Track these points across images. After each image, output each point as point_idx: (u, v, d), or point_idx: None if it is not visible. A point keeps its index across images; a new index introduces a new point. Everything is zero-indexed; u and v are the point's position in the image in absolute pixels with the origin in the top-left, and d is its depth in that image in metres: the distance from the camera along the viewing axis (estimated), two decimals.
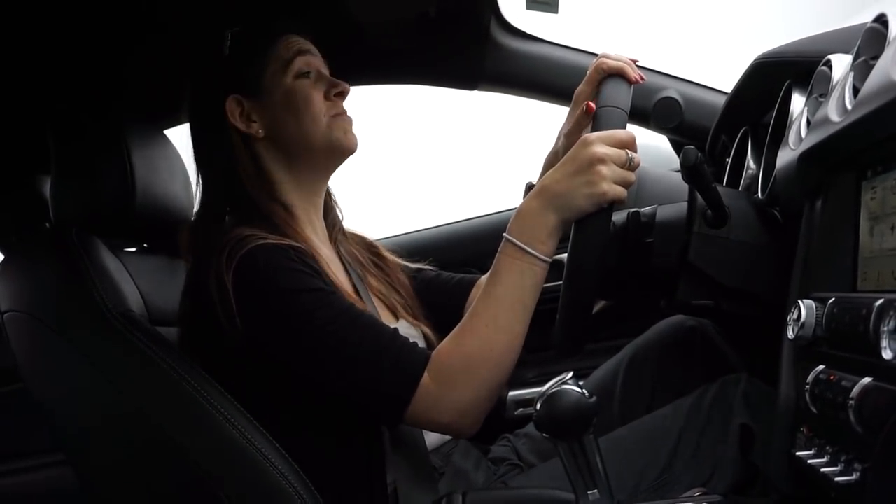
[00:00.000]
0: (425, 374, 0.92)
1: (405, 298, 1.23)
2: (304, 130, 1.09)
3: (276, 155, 1.11)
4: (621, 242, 1.04)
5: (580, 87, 1.09)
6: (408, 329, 1.15)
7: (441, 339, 1.19)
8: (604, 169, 0.88)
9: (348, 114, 1.14)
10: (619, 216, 1.04)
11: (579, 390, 0.78)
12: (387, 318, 1.14)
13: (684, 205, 1.03)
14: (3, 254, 1.35)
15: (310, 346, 0.94)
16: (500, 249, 0.96)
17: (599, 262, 0.95)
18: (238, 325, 0.93)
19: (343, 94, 1.13)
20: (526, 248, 0.93)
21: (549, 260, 0.94)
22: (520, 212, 0.95)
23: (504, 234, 0.95)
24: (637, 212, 1.05)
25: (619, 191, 0.89)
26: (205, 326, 0.97)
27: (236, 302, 0.93)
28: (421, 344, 1.15)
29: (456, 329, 0.96)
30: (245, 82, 1.10)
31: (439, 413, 0.93)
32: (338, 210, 1.25)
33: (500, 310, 0.94)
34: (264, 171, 1.10)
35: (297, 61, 1.10)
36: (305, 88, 1.10)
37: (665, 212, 1.04)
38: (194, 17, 1.24)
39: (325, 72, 1.15)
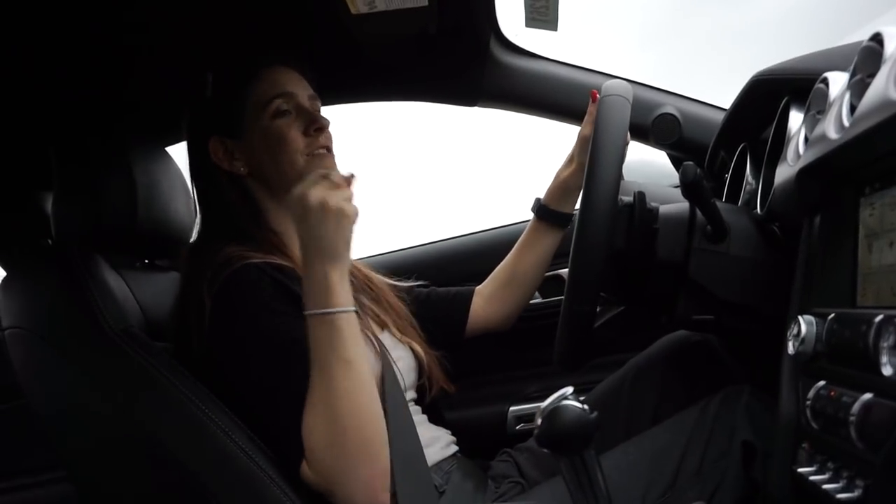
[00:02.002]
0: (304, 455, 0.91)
1: (394, 316, 1.24)
2: (282, 170, 1.11)
3: (261, 189, 1.14)
4: (628, 222, 1.03)
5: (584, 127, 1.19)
6: (394, 343, 1.16)
7: (433, 353, 1.20)
8: (331, 203, 0.91)
9: (330, 151, 1.14)
10: (625, 195, 1.04)
11: (580, 406, 0.78)
12: (375, 332, 1.14)
13: (685, 204, 1.03)
14: (5, 270, 1.35)
15: (245, 389, 0.96)
16: (308, 331, 0.93)
17: (600, 275, 0.95)
18: (203, 341, 0.97)
19: (322, 130, 1.13)
20: (323, 311, 0.91)
21: (351, 308, 0.92)
22: (303, 285, 0.94)
23: (304, 313, 0.93)
24: (643, 193, 1.05)
25: (353, 208, 0.92)
26: (187, 343, 1.00)
27: (209, 321, 0.96)
28: (407, 359, 1.17)
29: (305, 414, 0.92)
30: (226, 123, 1.12)
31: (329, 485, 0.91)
32: None
33: (329, 374, 0.90)
34: (253, 203, 1.13)
35: (275, 102, 1.11)
36: (282, 128, 1.11)
37: (667, 208, 1.05)
38: (215, 44, 1.26)
39: (308, 105, 1.15)
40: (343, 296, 0.92)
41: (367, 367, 0.94)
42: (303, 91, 1.15)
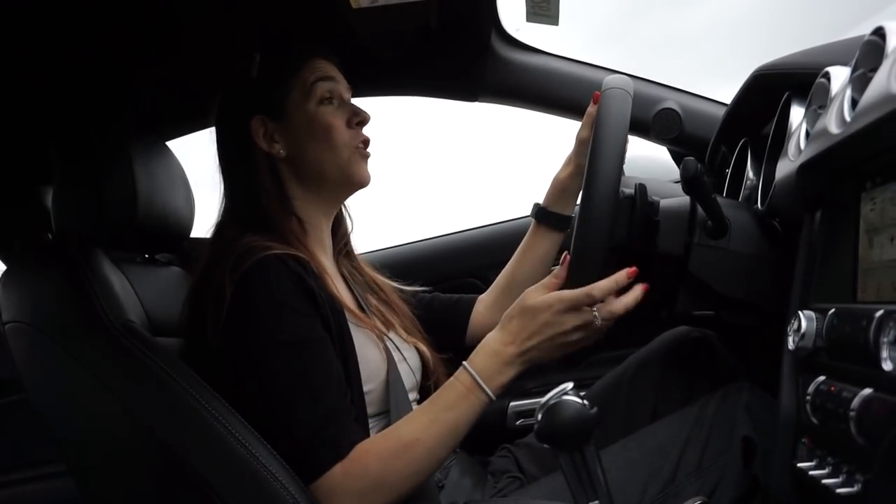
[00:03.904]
0: (339, 464, 0.91)
1: (400, 317, 1.24)
2: (323, 157, 1.12)
3: (294, 174, 1.14)
4: (629, 214, 1.03)
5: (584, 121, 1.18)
6: (400, 343, 1.16)
7: (438, 355, 1.20)
8: (579, 335, 0.96)
9: (369, 148, 1.16)
10: (626, 188, 1.04)
11: (580, 401, 0.78)
12: (382, 331, 1.14)
13: (686, 198, 1.03)
14: (6, 264, 1.35)
15: (262, 386, 0.95)
16: (456, 375, 0.97)
17: (601, 268, 0.95)
18: (219, 333, 0.96)
19: (364, 123, 1.16)
20: (483, 385, 0.95)
21: (494, 399, 0.97)
22: (490, 350, 0.97)
23: (465, 363, 0.97)
24: (644, 185, 1.05)
25: (585, 342, 0.98)
26: (201, 334, 0.99)
27: (227, 313, 0.96)
28: (414, 359, 1.16)
29: (389, 428, 0.96)
30: (270, 104, 1.12)
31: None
32: (348, 221, 1.27)
33: (434, 430, 0.94)
34: (282, 188, 1.12)
35: (319, 87, 1.12)
36: (327, 116, 1.12)
37: (668, 202, 1.05)
38: (217, 41, 1.25)
39: (348, 97, 1.17)
40: (502, 386, 0.97)
41: (455, 445, 0.97)
42: (343, 83, 1.17)
